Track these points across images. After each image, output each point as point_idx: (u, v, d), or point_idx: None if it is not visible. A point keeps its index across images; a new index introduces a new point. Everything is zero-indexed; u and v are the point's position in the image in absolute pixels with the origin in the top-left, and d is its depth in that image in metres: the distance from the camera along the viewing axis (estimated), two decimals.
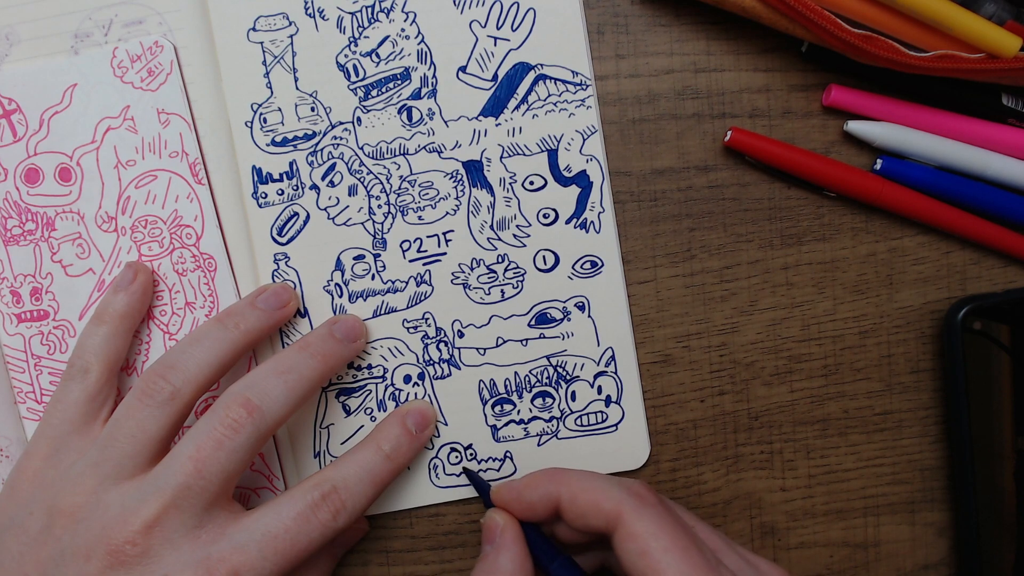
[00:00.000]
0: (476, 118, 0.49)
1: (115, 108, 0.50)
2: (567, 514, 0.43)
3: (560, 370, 0.51)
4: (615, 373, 0.51)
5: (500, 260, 0.50)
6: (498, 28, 0.49)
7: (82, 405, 0.46)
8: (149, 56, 0.49)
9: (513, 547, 0.44)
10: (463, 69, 0.49)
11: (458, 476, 0.52)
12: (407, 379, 0.51)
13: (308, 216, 0.50)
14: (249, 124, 0.49)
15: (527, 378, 0.51)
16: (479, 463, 0.52)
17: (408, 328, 0.51)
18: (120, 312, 0.48)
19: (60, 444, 0.46)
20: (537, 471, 0.46)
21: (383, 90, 0.49)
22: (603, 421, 0.52)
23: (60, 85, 0.50)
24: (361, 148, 0.49)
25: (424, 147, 0.50)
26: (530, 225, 0.50)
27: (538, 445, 0.52)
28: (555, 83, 0.49)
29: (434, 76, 0.49)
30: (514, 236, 0.50)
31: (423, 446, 0.51)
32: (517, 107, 0.49)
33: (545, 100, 0.49)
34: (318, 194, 0.50)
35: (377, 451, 0.47)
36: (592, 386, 0.51)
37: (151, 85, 0.49)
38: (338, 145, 0.49)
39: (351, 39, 0.49)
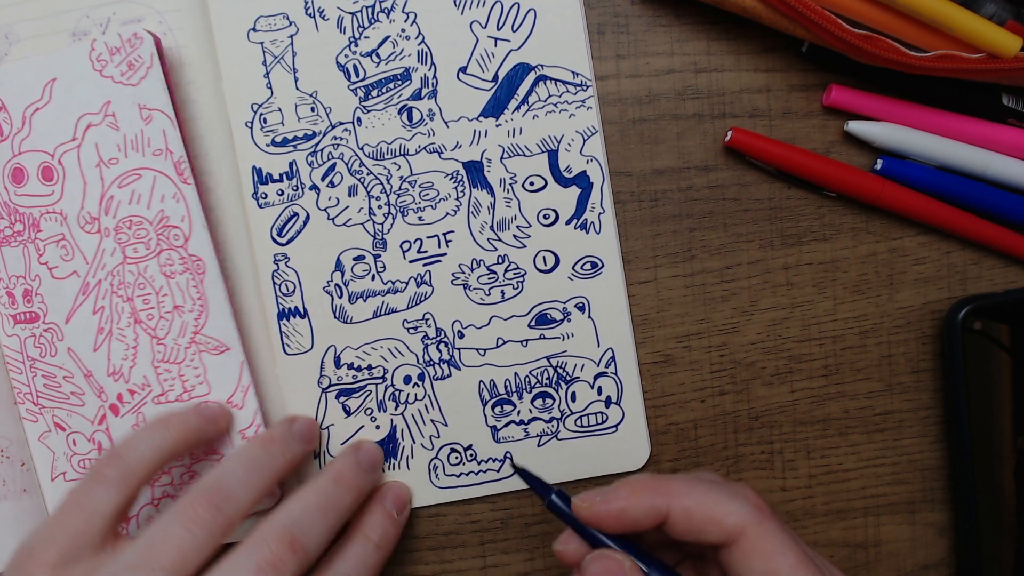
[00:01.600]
0: (476, 119, 0.49)
1: (95, 104, 0.49)
2: (676, 528, 0.40)
3: (560, 371, 0.51)
4: (615, 374, 0.51)
5: (500, 261, 0.50)
6: (498, 29, 0.49)
7: (110, 519, 0.43)
8: (128, 49, 0.48)
9: None
10: (463, 70, 0.49)
11: (458, 477, 0.51)
12: (407, 380, 0.51)
13: (308, 216, 0.50)
14: (249, 124, 0.49)
15: (527, 379, 0.51)
16: (479, 464, 0.52)
17: (408, 329, 0.51)
18: (191, 430, 0.47)
19: (72, 557, 0.42)
20: (631, 481, 0.42)
21: (383, 90, 0.49)
22: (603, 422, 0.51)
23: (40, 81, 0.49)
24: (361, 148, 0.49)
25: (424, 148, 0.49)
26: (530, 226, 0.50)
27: (538, 446, 0.52)
28: (555, 84, 0.49)
29: (434, 77, 0.49)
30: (514, 237, 0.50)
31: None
32: (517, 108, 0.49)
33: (545, 101, 0.49)
34: (318, 194, 0.50)
35: (366, 542, 0.47)
36: (592, 387, 0.51)
37: (131, 79, 0.48)
38: (338, 145, 0.49)
39: (351, 39, 0.49)
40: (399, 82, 0.49)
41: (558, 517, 0.43)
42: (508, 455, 0.51)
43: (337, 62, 0.49)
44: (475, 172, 0.50)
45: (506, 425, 0.51)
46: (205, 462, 0.51)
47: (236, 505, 0.43)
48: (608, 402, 0.51)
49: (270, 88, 0.49)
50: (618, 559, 0.40)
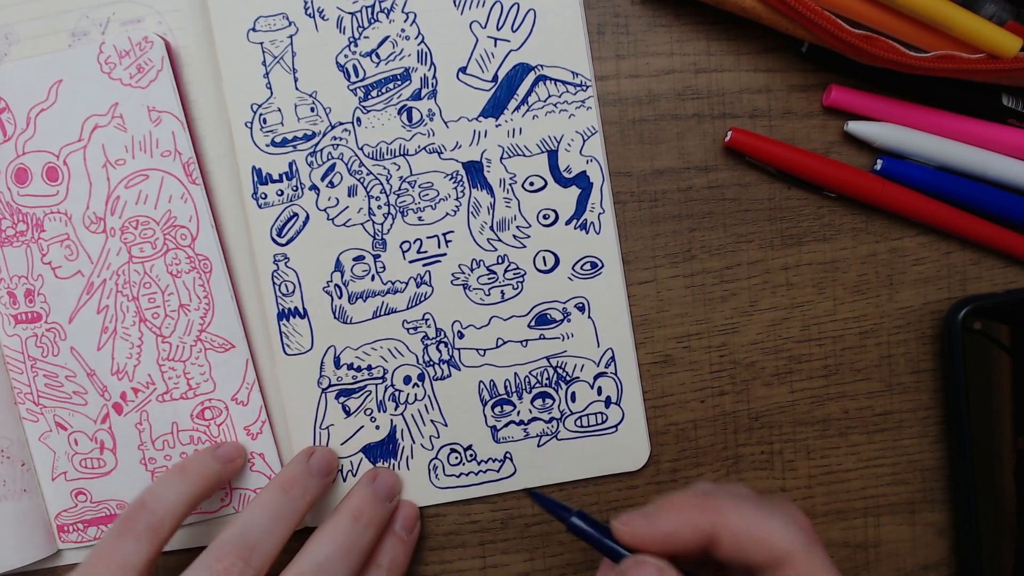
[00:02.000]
0: (476, 119, 0.49)
1: (103, 105, 0.49)
2: (723, 550, 0.38)
3: (560, 371, 0.51)
4: (615, 374, 0.51)
5: (500, 261, 0.50)
6: (498, 29, 0.49)
7: (141, 573, 0.43)
8: (138, 52, 0.48)
9: None
10: (463, 70, 0.49)
11: (458, 477, 0.52)
12: (407, 380, 0.51)
13: (308, 217, 0.50)
14: (249, 124, 0.49)
15: (527, 379, 0.51)
16: (479, 464, 0.52)
17: (408, 329, 0.51)
18: (211, 477, 0.48)
19: None
20: (673, 500, 0.40)
21: (383, 90, 0.49)
22: (603, 422, 0.51)
23: (45, 81, 0.49)
24: (361, 149, 0.49)
25: (424, 148, 0.49)
26: (530, 226, 0.50)
27: (538, 446, 0.52)
28: (555, 84, 0.49)
29: (434, 77, 0.49)
30: (514, 237, 0.50)
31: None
32: (517, 108, 0.49)
33: (545, 101, 0.49)
34: (318, 195, 0.50)
35: (377, 569, 0.48)
36: (592, 387, 0.51)
37: (140, 82, 0.49)
38: (338, 146, 0.49)
39: (351, 39, 0.49)
40: (399, 82, 0.49)
41: (581, 538, 0.41)
42: (530, 492, 0.48)
43: (337, 62, 0.49)
44: (475, 172, 0.50)
45: (506, 425, 0.51)
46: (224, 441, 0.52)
47: (262, 555, 0.44)
48: (608, 402, 0.51)
49: (270, 88, 0.49)
50: (660, 565, 0.38)
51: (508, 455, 0.52)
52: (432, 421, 0.51)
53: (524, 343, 0.51)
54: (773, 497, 0.42)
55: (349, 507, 0.48)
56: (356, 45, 0.49)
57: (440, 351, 0.51)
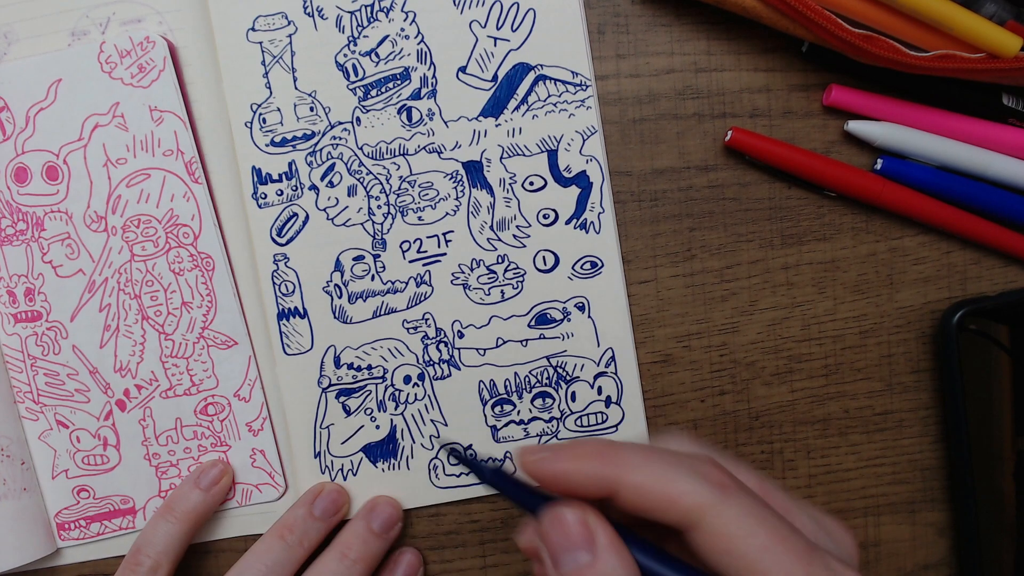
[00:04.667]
0: (476, 118, 0.49)
1: (103, 105, 0.49)
2: (627, 502, 0.34)
3: (560, 370, 0.51)
4: (615, 373, 0.51)
5: (500, 260, 0.50)
6: (498, 28, 0.49)
7: None
8: (139, 52, 0.48)
9: (620, 556, 0.34)
10: (463, 69, 0.49)
11: (458, 477, 0.52)
12: (407, 379, 0.51)
13: (307, 216, 0.50)
14: (249, 124, 0.49)
15: (527, 378, 0.51)
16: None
17: (408, 329, 0.51)
18: (195, 512, 0.49)
19: None
20: (579, 443, 0.36)
21: (383, 90, 0.49)
22: (603, 422, 0.51)
23: (44, 81, 0.49)
24: (360, 148, 0.49)
25: (424, 147, 0.49)
26: (530, 225, 0.50)
27: None
28: (555, 83, 0.49)
29: (434, 76, 0.49)
30: (514, 237, 0.50)
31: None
32: (517, 107, 0.49)
33: (545, 101, 0.49)
34: (317, 194, 0.50)
35: None
36: (592, 386, 0.51)
37: (142, 82, 0.49)
38: (337, 145, 0.49)
39: (350, 38, 0.49)
40: (398, 82, 0.49)
41: (497, 489, 0.37)
42: (439, 442, 0.51)
43: (336, 61, 0.49)
44: (475, 172, 0.50)
45: (506, 425, 0.51)
46: (211, 453, 0.52)
47: None
48: (608, 402, 0.51)
49: (269, 88, 0.49)
50: (579, 515, 0.34)
51: (508, 455, 0.52)
52: (432, 421, 0.51)
53: (524, 343, 0.51)
54: (696, 455, 0.36)
55: (338, 544, 0.49)
56: (355, 44, 0.49)
57: (440, 351, 0.51)
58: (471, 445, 0.52)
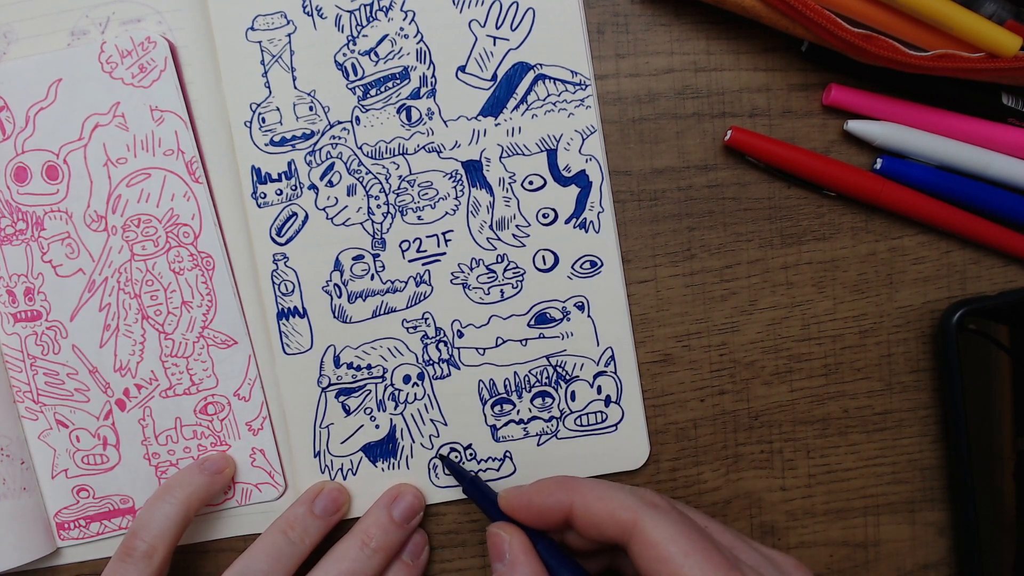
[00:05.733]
0: (475, 118, 0.49)
1: (104, 104, 0.49)
2: (580, 524, 0.42)
3: (560, 370, 0.51)
4: (615, 373, 0.51)
5: (499, 260, 0.50)
6: (497, 28, 0.49)
7: None
8: (140, 52, 0.48)
9: (526, 560, 0.43)
10: (462, 69, 0.49)
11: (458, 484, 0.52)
12: (407, 379, 0.51)
13: (307, 216, 0.50)
14: (248, 124, 0.49)
15: (527, 378, 0.51)
16: (479, 463, 0.52)
17: (408, 328, 0.51)
18: (195, 495, 0.49)
19: None
20: (547, 478, 0.45)
21: (382, 89, 0.49)
22: (603, 421, 0.51)
23: (44, 80, 0.49)
24: (360, 148, 0.49)
25: (423, 147, 0.49)
26: (529, 225, 0.50)
27: (538, 445, 0.52)
28: (554, 83, 0.49)
29: (433, 76, 0.49)
30: (513, 236, 0.50)
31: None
32: (516, 107, 0.49)
33: (544, 100, 0.49)
34: (316, 194, 0.50)
35: None
36: (592, 386, 0.51)
37: (143, 82, 0.49)
38: (336, 145, 0.49)
39: (349, 38, 0.49)
40: (398, 81, 0.49)
41: (474, 502, 0.49)
42: (439, 453, 0.52)
43: (335, 61, 0.49)
44: (474, 171, 0.50)
45: (506, 424, 0.51)
46: (211, 453, 0.52)
47: None
48: (608, 401, 0.51)
49: (268, 87, 0.49)
50: (502, 533, 0.44)
51: (508, 454, 0.52)
52: (432, 420, 0.51)
53: (524, 342, 0.51)
54: (636, 487, 0.44)
55: (359, 531, 0.49)
56: (355, 44, 0.49)
57: (440, 350, 0.51)
58: (471, 445, 0.52)
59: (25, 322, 0.51)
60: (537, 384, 0.51)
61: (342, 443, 0.51)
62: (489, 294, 0.51)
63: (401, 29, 0.49)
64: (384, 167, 0.49)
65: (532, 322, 0.51)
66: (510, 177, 0.50)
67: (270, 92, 0.49)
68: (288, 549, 0.47)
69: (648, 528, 0.39)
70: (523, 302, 0.51)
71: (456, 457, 0.52)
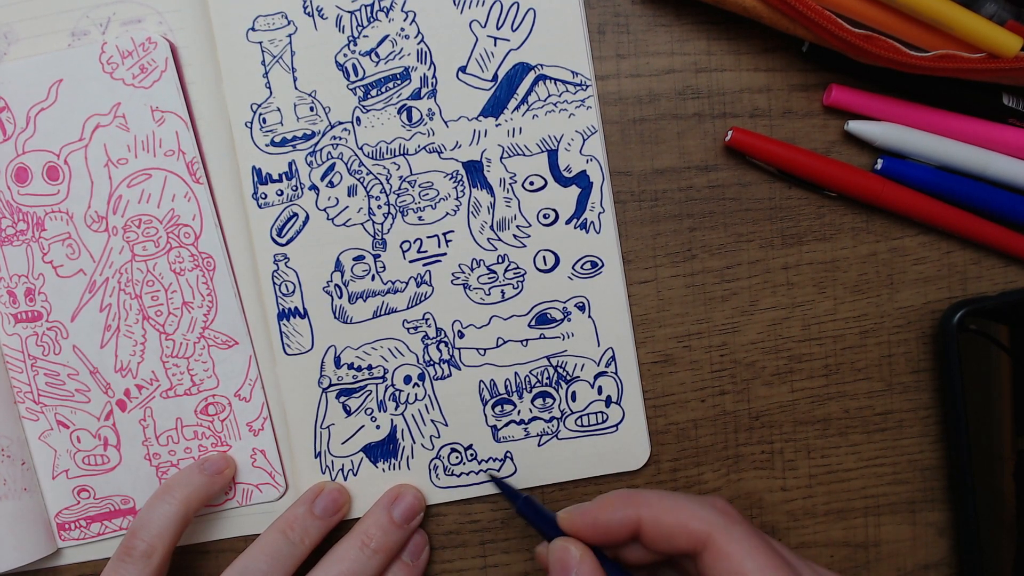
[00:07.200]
0: (476, 118, 0.49)
1: (104, 105, 0.49)
2: (649, 536, 0.41)
3: (560, 370, 0.51)
4: (615, 373, 0.51)
5: (500, 260, 0.50)
6: (498, 28, 0.49)
7: None
8: (141, 52, 0.48)
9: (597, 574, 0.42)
10: (463, 69, 0.49)
11: (458, 477, 0.52)
12: (407, 379, 0.51)
13: (308, 217, 0.50)
14: (249, 124, 0.49)
15: (527, 378, 0.51)
16: (479, 463, 0.52)
17: (408, 328, 0.51)
18: (195, 495, 0.49)
19: None
20: (608, 494, 0.44)
21: (383, 90, 0.49)
22: (603, 421, 0.51)
23: (45, 81, 0.49)
24: (360, 148, 0.49)
25: (424, 147, 0.49)
26: (530, 225, 0.50)
27: (538, 445, 0.52)
28: (555, 83, 0.49)
29: (434, 76, 0.49)
30: (514, 236, 0.50)
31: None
32: (517, 107, 0.49)
33: (545, 100, 0.49)
34: (317, 194, 0.50)
35: None
36: (592, 386, 0.51)
37: (143, 82, 0.49)
38: (337, 145, 0.49)
39: (350, 38, 0.49)
40: (398, 81, 0.49)
41: (527, 522, 0.46)
42: (489, 474, 0.52)
43: (336, 61, 0.49)
44: (475, 172, 0.50)
45: (506, 425, 0.51)
46: (211, 453, 0.52)
47: None
48: (608, 402, 0.51)
49: (269, 88, 0.49)
50: (571, 549, 0.43)
51: (508, 454, 0.52)
52: (432, 421, 0.51)
53: (524, 342, 0.51)
54: (704, 495, 0.44)
55: (359, 532, 0.49)
56: (355, 44, 0.49)
57: (440, 351, 0.51)
58: (472, 445, 0.52)
59: (26, 323, 0.51)
60: (538, 384, 0.51)
61: (343, 443, 0.51)
62: (490, 294, 0.51)
63: (402, 30, 0.49)
64: (385, 167, 0.49)
65: (533, 322, 0.51)
66: (511, 177, 0.50)
67: (271, 92, 0.49)
68: (288, 549, 0.47)
69: (724, 541, 0.39)
70: (524, 302, 0.51)
71: (456, 458, 0.52)
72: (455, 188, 0.50)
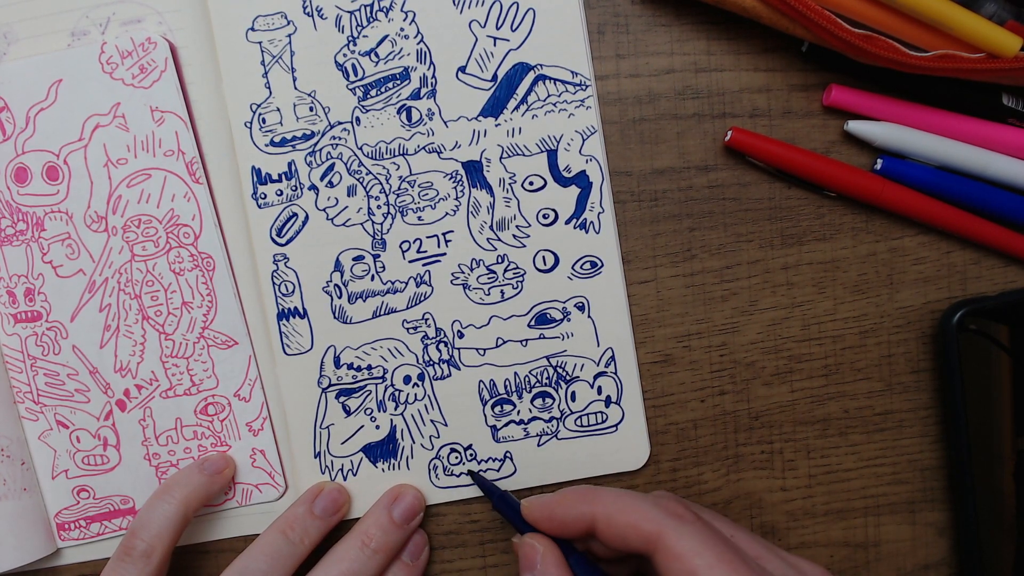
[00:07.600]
0: (476, 118, 0.49)
1: (104, 105, 0.49)
2: (603, 535, 0.42)
3: (560, 370, 0.51)
4: (615, 373, 0.51)
5: (500, 260, 0.50)
6: (498, 28, 0.49)
7: None
8: (141, 53, 0.48)
9: (557, 574, 0.43)
10: (463, 69, 0.49)
11: (458, 477, 0.52)
12: (407, 380, 0.51)
13: (307, 217, 0.50)
14: (248, 124, 0.49)
15: (527, 378, 0.51)
16: (479, 463, 0.52)
17: (408, 329, 0.51)
18: (194, 494, 0.49)
19: None
20: (569, 489, 0.45)
21: (382, 90, 0.49)
22: (603, 421, 0.51)
23: (45, 81, 0.49)
24: (360, 148, 0.49)
25: (423, 147, 0.49)
26: (530, 225, 0.50)
27: (538, 445, 0.52)
28: (555, 83, 0.49)
29: (433, 76, 0.49)
30: (514, 236, 0.50)
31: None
32: (517, 107, 0.49)
33: (545, 100, 0.49)
34: (317, 195, 0.50)
35: None
36: (592, 386, 0.51)
37: (143, 82, 0.49)
38: (337, 145, 0.49)
39: (350, 38, 0.49)
40: (398, 81, 0.49)
41: (503, 516, 0.48)
42: (468, 469, 0.52)
43: (335, 61, 0.49)
44: (474, 172, 0.50)
45: (506, 425, 0.51)
46: (211, 453, 0.52)
47: None
48: (608, 402, 0.51)
49: (268, 88, 0.49)
50: (536, 545, 0.44)
51: (508, 454, 0.52)
52: (432, 421, 0.51)
53: (524, 343, 0.51)
54: (661, 494, 0.45)
55: (359, 532, 0.49)
56: (355, 44, 0.49)
57: (440, 351, 0.51)
58: (471, 445, 0.52)
59: (25, 323, 0.51)
60: (537, 384, 0.51)
61: (342, 443, 0.51)
62: (489, 295, 0.51)
63: (401, 30, 0.49)
64: (384, 168, 0.49)
65: (532, 322, 0.51)
66: (510, 178, 0.50)
67: (270, 92, 0.49)
68: (287, 549, 0.47)
69: (672, 540, 0.39)
70: (523, 303, 0.51)
71: (456, 458, 0.52)
72: (455, 188, 0.50)
